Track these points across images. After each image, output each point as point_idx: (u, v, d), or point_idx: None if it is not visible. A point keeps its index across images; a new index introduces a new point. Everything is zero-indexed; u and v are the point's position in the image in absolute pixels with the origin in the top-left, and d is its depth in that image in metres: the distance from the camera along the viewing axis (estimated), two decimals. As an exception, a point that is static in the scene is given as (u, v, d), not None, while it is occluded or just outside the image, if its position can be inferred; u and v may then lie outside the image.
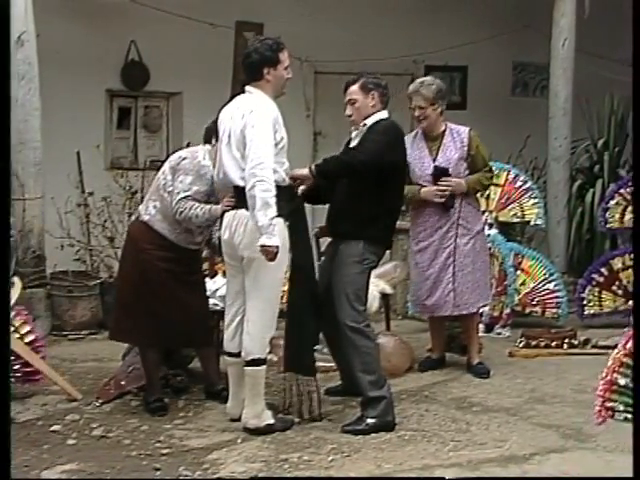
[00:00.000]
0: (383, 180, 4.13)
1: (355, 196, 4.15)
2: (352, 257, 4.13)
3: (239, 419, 4.10)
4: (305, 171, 4.08)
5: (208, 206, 4.26)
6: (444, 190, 4.82)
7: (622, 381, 3.08)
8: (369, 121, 4.22)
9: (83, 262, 6.64)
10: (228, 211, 4.07)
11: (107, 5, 6.79)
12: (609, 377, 3.10)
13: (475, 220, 4.99)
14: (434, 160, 4.87)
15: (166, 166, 4.42)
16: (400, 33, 7.42)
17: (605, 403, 3.12)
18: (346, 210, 4.17)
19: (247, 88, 4.06)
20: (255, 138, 3.85)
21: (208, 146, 4.38)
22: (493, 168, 5.25)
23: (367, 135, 4.18)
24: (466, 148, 4.91)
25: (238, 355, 4.10)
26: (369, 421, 4.04)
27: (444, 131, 4.93)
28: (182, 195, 4.26)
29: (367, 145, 4.14)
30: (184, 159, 4.35)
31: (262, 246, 3.81)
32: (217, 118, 4.18)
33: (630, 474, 3.42)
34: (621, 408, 3.12)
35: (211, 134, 4.36)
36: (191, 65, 6.89)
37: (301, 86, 7.23)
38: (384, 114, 4.27)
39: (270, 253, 3.82)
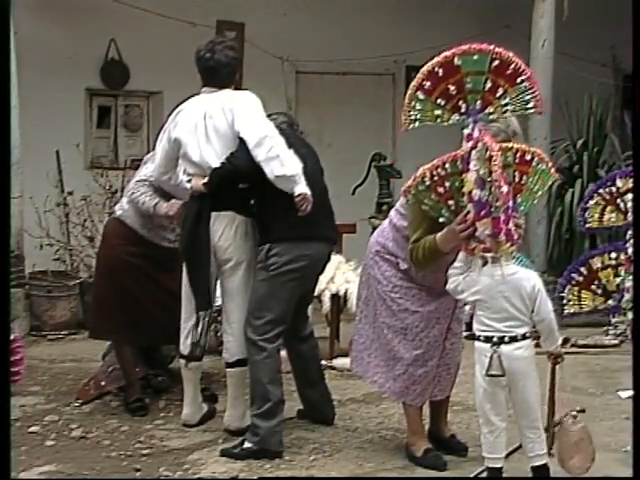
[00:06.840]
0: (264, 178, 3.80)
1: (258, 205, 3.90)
2: (257, 265, 3.87)
3: (196, 425, 4.07)
4: (201, 187, 3.89)
5: (156, 200, 4.19)
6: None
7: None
8: None
9: (62, 262, 6.60)
10: (171, 215, 4.08)
11: (87, 3, 6.74)
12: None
13: None
14: None
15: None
16: (381, 33, 7.43)
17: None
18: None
19: (210, 89, 3.95)
20: (250, 116, 3.81)
21: None
22: None
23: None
24: None
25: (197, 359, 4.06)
26: (246, 445, 3.73)
27: None
28: (139, 178, 4.29)
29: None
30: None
31: (299, 195, 3.66)
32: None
33: (608, 471, 3.47)
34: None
35: None
36: (171, 64, 6.85)
37: (282, 85, 7.23)
38: None
39: (308, 201, 3.69)
